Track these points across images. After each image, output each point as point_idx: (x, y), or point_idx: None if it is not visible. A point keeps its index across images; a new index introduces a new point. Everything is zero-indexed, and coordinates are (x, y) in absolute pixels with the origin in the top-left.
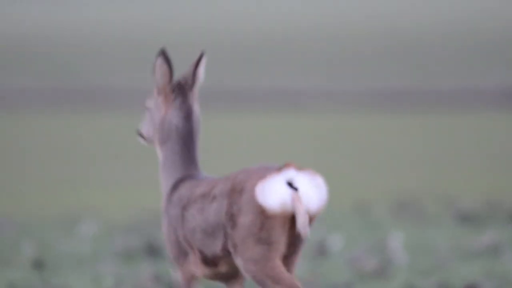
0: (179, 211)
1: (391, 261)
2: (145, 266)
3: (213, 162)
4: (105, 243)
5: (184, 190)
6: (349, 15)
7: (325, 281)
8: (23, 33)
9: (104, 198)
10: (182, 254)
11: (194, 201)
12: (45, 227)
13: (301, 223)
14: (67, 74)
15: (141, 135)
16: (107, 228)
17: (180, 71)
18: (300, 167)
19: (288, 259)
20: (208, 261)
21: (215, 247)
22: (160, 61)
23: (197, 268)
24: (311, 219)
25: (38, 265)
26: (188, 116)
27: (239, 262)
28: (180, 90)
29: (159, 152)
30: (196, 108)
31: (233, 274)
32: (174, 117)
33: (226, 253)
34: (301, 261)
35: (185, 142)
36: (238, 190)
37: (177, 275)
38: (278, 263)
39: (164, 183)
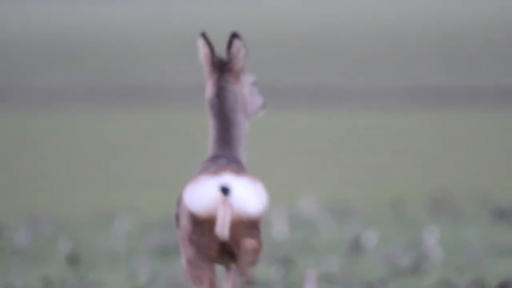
0: None
1: (426, 258)
2: (178, 262)
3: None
4: (140, 240)
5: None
6: (371, 14)
7: (359, 277)
8: (53, 32)
9: (139, 195)
10: None
11: None
12: (81, 223)
13: (219, 226)
14: (97, 72)
15: None
16: (142, 225)
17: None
18: (238, 172)
19: (237, 265)
20: None
21: None
22: (201, 43)
23: None
24: (253, 224)
25: (74, 261)
26: (219, 93)
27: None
28: (216, 68)
29: None
30: (234, 87)
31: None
32: (208, 94)
33: None
34: (335, 258)
35: (218, 120)
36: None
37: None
38: (206, 266)
39: None
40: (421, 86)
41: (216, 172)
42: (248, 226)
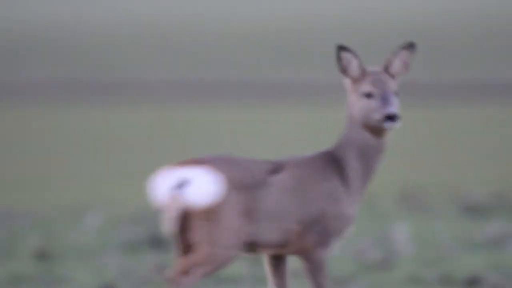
0: None
1: (395, 252)
2: (149, 257)
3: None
4: (109, 234)
5: None
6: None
7: (329, 273)
8: (44, 25)
9: (109, 191)
10: None
11: None
12: (50, 218)
13: (166, 218)
14: (75, 66)
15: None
16: (112, 220)
17: (176, 65)
18: (196, 162)
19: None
20: None
21: None
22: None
23: None
24: (207, 214)
25: (42, 256)
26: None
27: None
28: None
29: None
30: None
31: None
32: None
33: None
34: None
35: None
36: None
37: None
38: (181, 255)
39: None
40: None
41: (173, 165)
42: (207, 214)
